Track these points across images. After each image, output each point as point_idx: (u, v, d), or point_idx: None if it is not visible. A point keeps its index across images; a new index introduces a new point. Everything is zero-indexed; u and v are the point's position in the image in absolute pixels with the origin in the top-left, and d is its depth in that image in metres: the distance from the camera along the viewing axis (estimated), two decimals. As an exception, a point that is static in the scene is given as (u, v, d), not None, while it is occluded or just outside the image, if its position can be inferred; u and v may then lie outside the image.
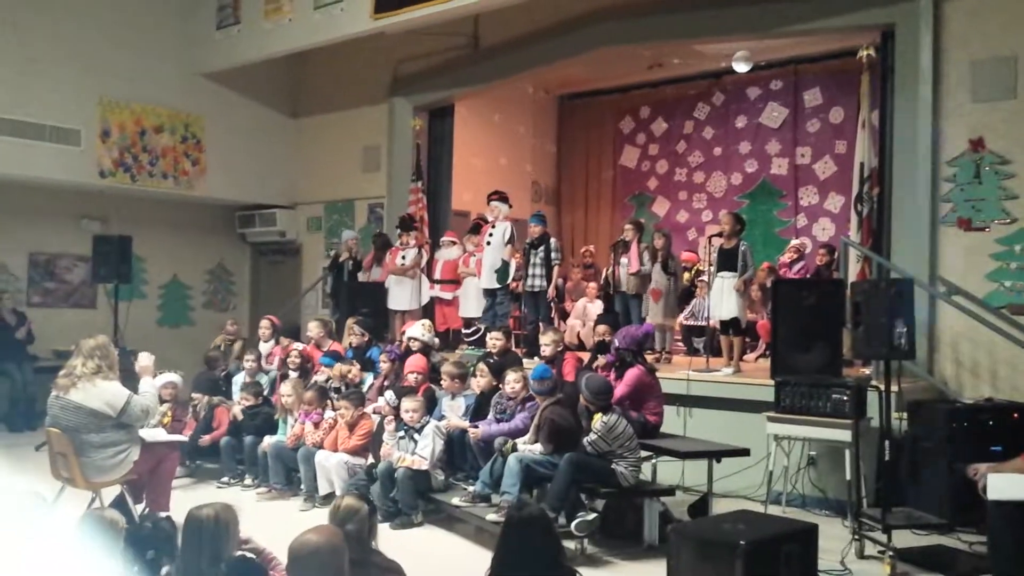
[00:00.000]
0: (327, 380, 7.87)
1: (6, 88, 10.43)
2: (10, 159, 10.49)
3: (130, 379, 6.07)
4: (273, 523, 5.57)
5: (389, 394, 7.27)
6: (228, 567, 3.46)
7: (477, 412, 7.04)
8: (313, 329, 8.93)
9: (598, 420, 5.81)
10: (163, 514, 5.80)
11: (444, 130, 11.99)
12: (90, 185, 11.49)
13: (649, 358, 8.70)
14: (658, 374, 7.18)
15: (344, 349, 8.72)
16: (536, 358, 7.93)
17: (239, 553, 3.63)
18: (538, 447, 6.03)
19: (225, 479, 7.82)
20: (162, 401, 7.17)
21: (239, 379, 8.57)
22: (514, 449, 6.15)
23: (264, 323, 9.37)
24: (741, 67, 11.29)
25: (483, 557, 5.76)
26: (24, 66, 10.57)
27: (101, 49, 11.28)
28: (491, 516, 5.87)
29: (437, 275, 10.40)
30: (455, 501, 6.37)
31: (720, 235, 8.43)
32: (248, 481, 7.72)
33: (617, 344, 6.92)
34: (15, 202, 11.43)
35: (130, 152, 11.69)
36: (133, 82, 11.64)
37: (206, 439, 7.92)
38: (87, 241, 10.14)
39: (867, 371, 7.38)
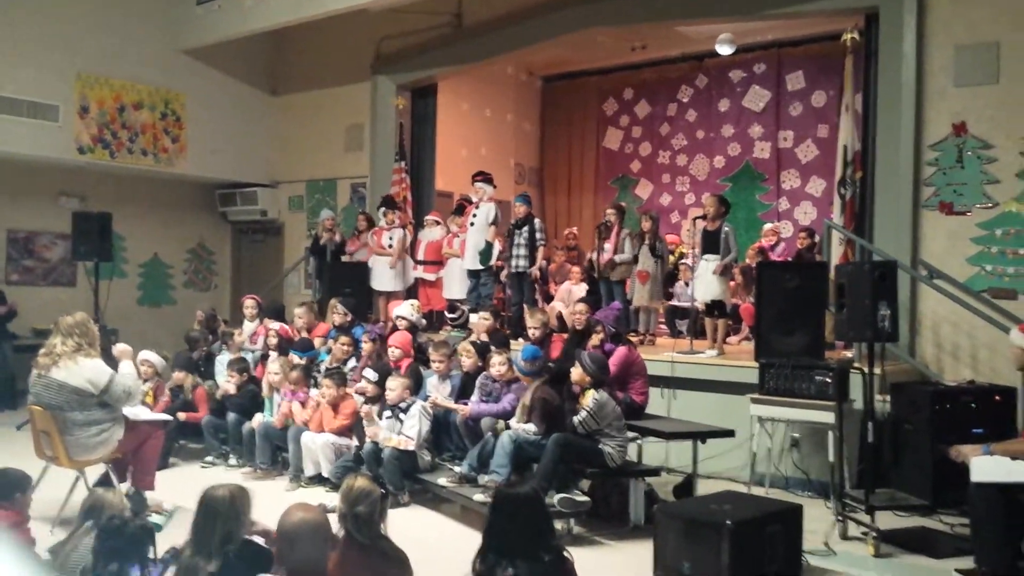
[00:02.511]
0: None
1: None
2: (-13, 135, 10.34)
3: (110, 359, 6.00)
4: (260, 503, 5.55)
5: (369, 371, 7.25)
6: (236, 551, 3.43)
7: (462, 393, 7.06)
8: (300, 315, 8.89)
9: (590, 396, 5.83)
10: (157, 504, 5.80)
11: (427, 109, 11.93)
12: (68, 161, 11.35)
13: (633, 339, 8.78)
14: (643, 355, 7.21)
15: (328, 329, 8.69)
16: (521, 339, 7.96)
17: (248, 537, 3.60)
18: (531, 427, 6.04)
19: (209, 459, 7.80)
20: (143, 380, 7.12)
21: (223, 358, 8.52)
22: (507, 428, 6.17)
23: (249, 302, 9.32)
24: (725, 50, 11.26)
25: (470, 536, 5.81)
26: (2, 42, 10.39)
27: (80, 24, 11.11)
28: (478, 496, 5.89)
29: (421, 256, 10.37)
30: (442, 481, 6.38)
31: (704, 217, 8.46)
32: (233, 461, 7.70)
33: (607, 325, 6.96)
34: (-8, 178, 11.29)
35: (109, 128, 11.55)
36: (112, 58, 11.49)
37: (181, 415, 7.84)
38: (66, 218, 10.00)
39: (849, 354, 7.46)
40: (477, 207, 9.73)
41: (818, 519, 5.82)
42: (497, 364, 6.71)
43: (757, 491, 6.49)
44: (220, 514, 3.46)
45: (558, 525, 5.60)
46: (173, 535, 3.99)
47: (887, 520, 5.89)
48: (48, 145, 10.94)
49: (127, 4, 11.59)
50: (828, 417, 6.24)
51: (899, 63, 8.00)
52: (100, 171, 11.89)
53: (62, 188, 11.95)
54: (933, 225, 7.85)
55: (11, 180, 11.46)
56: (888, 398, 6.42)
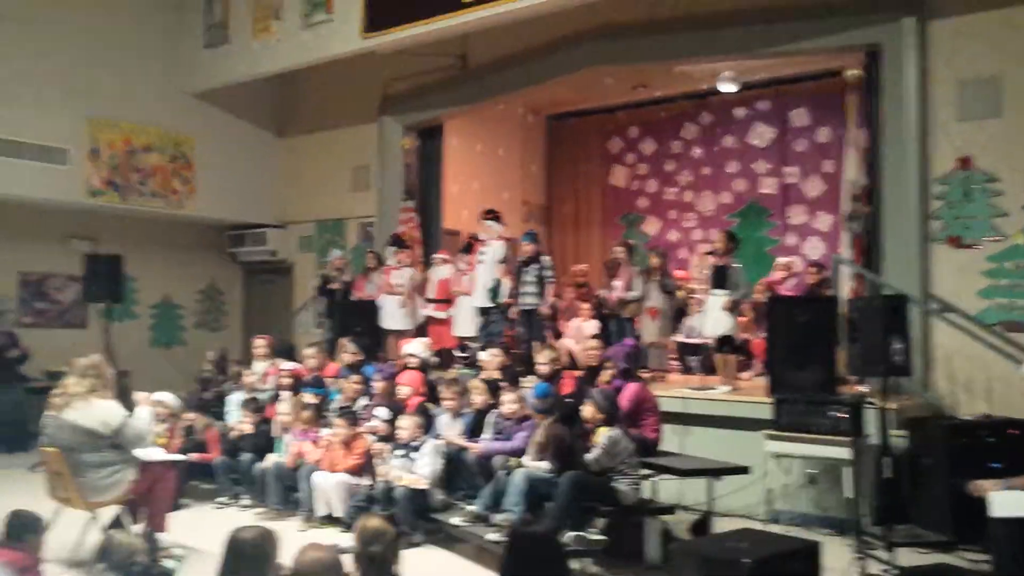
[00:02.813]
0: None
1: (-6, 108, 10.40)
2: (-1, 178, 10.45)
3: (123, 400, 6.01)
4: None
5: (381, 410, 7.25)
6: None
7: (473, 430, 7.04)
8: (310, 355, 8.91)
9: (603, 434, 5.82)
10: (166, 549, 5.77)
11: (434, 149, 12.02)
12: (79, 204, 11.45)
13: (645, 376, 8.77)
14: (654, 392, 7.20)
15: (338, 368, 8.70)
16: (531, 377, 7.94)
17: None
18: (545, 464, 6.01)
19: (221, 499, 7.76)
20: (158, 421, 7.12)
21: (234, 398, 8.52)
22: (519, 466, 6.14)
23: (259, 342, 9.34)
24: (727, 87, 11.42)
25: (482, 576, 5.78)
26: (11, 85, 10.54)
27: (90, 68, 11.26)
28: (491, 535, 5.85)
29: (430, 294, 10.39)
30: (455, 520, 6.34)
31: (713, 252, 8.49)
32: (245, 501, 7.66)
33: (617, 362, 6.96)
34: (4, 222, 11.38)
35: (119, 171, 11.66)
36: (122, 101, 11.63)
37: (194, 456, 7.84)
38: (77, 261, 10.09)
39: (862, 388, 7.43)
40: (486, 245, 9.76)
41: (837, 556, 5.75)
42: (508, 402, 6.70)
43: (774, 528, 6.43)
44: (246, 556, 3.44)
45: (573, 564, 5.57)
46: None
47: (907, 557, 5.83)
48: (59, 188, 11.05)
49: (136, 48, 11.75)
50: (844, 453, 6.20)
51: (902, 98, 8.06)
52: (111, 214, 11.98)
53: (73, 231, 12.03)
54: (942, 259, 7.86)
55: (23, 223, 11.55)
56: (904, 433, 6.38)
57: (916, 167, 7.97)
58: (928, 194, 7.97)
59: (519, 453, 6.38)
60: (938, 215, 7.92)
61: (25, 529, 4.65)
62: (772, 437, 6.64)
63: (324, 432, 7.37)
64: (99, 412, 5.65)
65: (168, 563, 5.45)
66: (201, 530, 6.65)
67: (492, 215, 9.85)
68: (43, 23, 10.86)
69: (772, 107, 12.27)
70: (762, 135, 12.36)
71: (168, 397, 7.69)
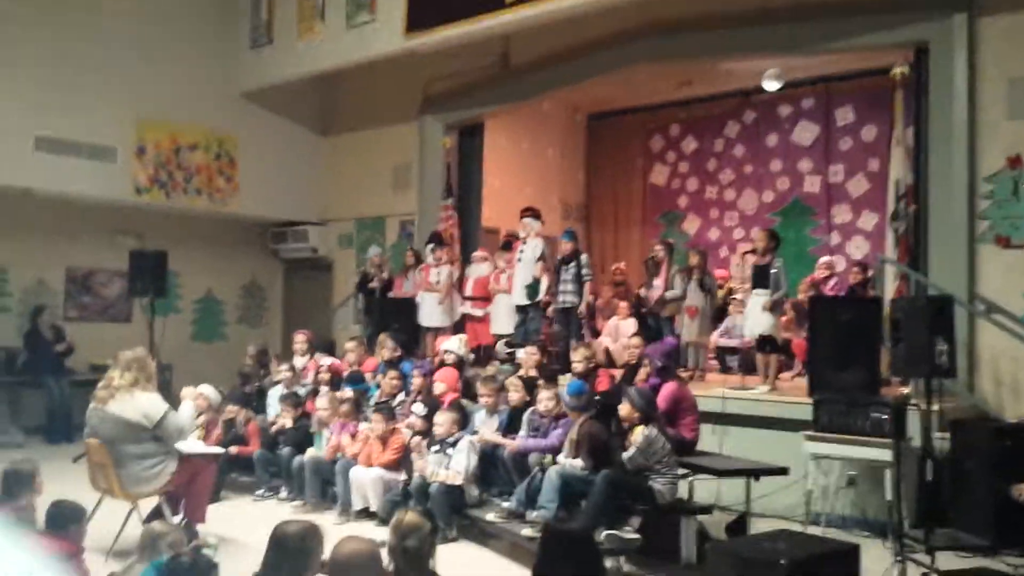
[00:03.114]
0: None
1: (45, 107, 10.61)
2: (48, 176, 10.68)
3: (165, 394, 6.11)
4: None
5: (418, 406, 7.28)
6: None
7: (509, 427, 7.03)
8: (351, 349, 8.98)
9: (639, 433, 5.77)
10: (200, 537, 5.83)
11: (474, 148, 12.04)
12: (126, 201, 11.66)
13: (683, 376, 8.70)
14: (693, 391, 7.13)
15: (377, 364, 8.76)
16: (568, 374, 7.92)
17: None
18: (579, 462, 5.99)
19: (260, 492, 7.85)
20: (197, 413, 7.22)
21: (275, 392, 8.62)
22: (554, 463, 6.13)
23: (300, 337, 9.45)
24: (772, 85, 11.25)
25: (518, 573, 5.77)
26: (62, 85, 10.75)
27: (137, 69, 11.44)
28: (526, 531, 5.85)
29: (468, 292, 10.41)
30: (490, 516, 6.35)
31: (754, 251, 8.39)
32: (283, 494, 7.75)
33: (653, 359, 6.91)
34: (52, 218, 11.61)
35: (165, 169, 11.85)
36: (168, 101, 11.81)
37: (233, 449, 7.94)
38: (123, 256, 10.26)
39: (905, 390, 7.29)
40: (524, 243, 9.76)
41: (877, 559, 5.66)
42: (544, 399, 6.68)
43: (813, 530, 6.34)
44: (291, 550, 3.45)
45: (608, 563, 5.54)
46: (223, 568, 4.00)
47: (948, 561, 5.71)
48: (107, 186, 11.26)
49: (183, 49, 11.92)
50: (885, 455, 6.09)
51: (951, 97, 7.91)
52: (156, 210, 12.18)
53: (119, 227, 12.24)
54: (990, 259, 7.69)
55: (70, 220, 11.79)
56: (947, 435, 6.25)
57: (964, 166, 7.82)
58: (976, 193, 7.81)
59: (555, 451, 6.36)
60: (986, 215, 7.76)
61: (67, 518, 4.70)
62: (812, 438, 6.55)
63: (362, 426, 7.42)
64: (141, 405, 5.75)
65: (206, 551, 5.50)
66: (239, 522, 6.75)
67: (531, 213, 9.84)
68: (92, 27, 11.06)
69: (817, 105, 12.12)
70: (807, 133, 12.21)
71: (209, 390, 7.79)
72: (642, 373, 6.94)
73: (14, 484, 4.81)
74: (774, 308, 8.15)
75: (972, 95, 7.82)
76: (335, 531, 6.47)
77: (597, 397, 6.63)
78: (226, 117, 12.45)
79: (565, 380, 7.31)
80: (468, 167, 12.00)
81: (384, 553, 3.49)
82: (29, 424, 10.73)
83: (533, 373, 7.67)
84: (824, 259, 10.39)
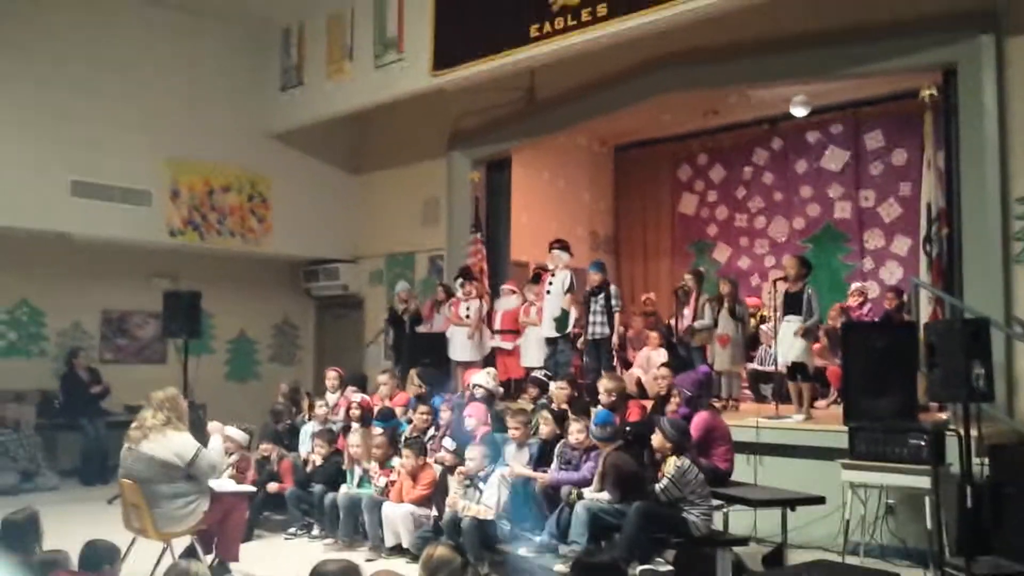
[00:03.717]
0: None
1: (80, 151, 10.85)
2: (84, 220, 10.89)
3: (198, 434, 6.15)
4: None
5: (448, 441, 7.26)
6: None
7: (540, 460, 6.97)
8: (383, 381, 9.01)
9: (671, 464, 5.71)
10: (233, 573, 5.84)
11: (502, 182, 12.11)
12: (161, 244, 11.83)
13: (716, 405, 8.60)
14: (727, 420, 7.05)
15: (407, 399, 8.76)
16: (599, 406, 7.86)
17: None
18: (605, 495, 5.93)
19: (292, 530, 7.85)
20: (228, 454, 7.25)
21: (308, 429, 8.64)
22: (580, 498, 6.06)
23: (331, 374, 9.49)
24: (799, 111, 11.27)
25: (551, 608, 5.69)
26: (97, 129, 10.99)
27: (171, 112, 11.68)
28: (559, 567, 5.78)
29: (497, 325, 10.41)
30: (521, 551, 6.28)
31: (785, 279, 8.32)
32: (315, 532, 7.74)
33: (682, 389, 6.85)
34: (88, 261, 11.82)
35: (199, 211, 12.04)
36: (201, 144, 12.01)
37: (273, 487, 7.96)
38: (157, 298, 10.41)
39: (943, 415, 7.15)
40: (553, 275, 9.76)
41: (918, 590, 5.53)
42: (575, 431, 6.62)
43: (851, 560, 6.20)
44: None
45: (643, 596, 5.46)
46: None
47: (992, 590, 5.56)
48: (141, 228, 11.45)
49: (215, 92, 12.15)
50: (924, 482, 5.96)
51: (980, 118, 7.83)
52: (190, 252, 12.35)
53: (154, 269, 12.42)
54: (1026, 280, 7.57)
55: (106, 262, 11.98)
56: (987, 461, 6.11)
57: (996, 187, 7.73)
58: (1010, 214, 7.70)
59: (586, 483, 6.29)
60: (1021, 236, 7.63)
61: (101, 558, 4.72)
62: (848, 466, 6.43)
63: (394, 462, 7.41)
64: (174, 444, 5.78)
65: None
66: (271, 560, 6.75)
67: (560, 245, 9.84)
68: (127, 68, 11.32)
69: (845, 130, 12.07)
70: (836, 159, 12.14)
71: (236, 432, 7.81)
72: (672, 403, 6.86)
73: (14, 536, 4.78)
74: (807, 334, 8.06)
75: (1002, 115, 7.75)
76: (367, 568, 6.49)
77: (628, 428, 6.56)
78: (258, 158, 12.64)
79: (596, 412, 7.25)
80: (496, 201, 12.07)
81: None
82: (65, 466, 10.85)
83: (564, 407, 7.61)
84: (856, 285, 10.30)
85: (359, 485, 7.59)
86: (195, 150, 11.98)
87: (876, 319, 9.42)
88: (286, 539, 7.72)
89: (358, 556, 7.01)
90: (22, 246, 11.12)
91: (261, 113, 12.50)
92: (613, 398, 7.18)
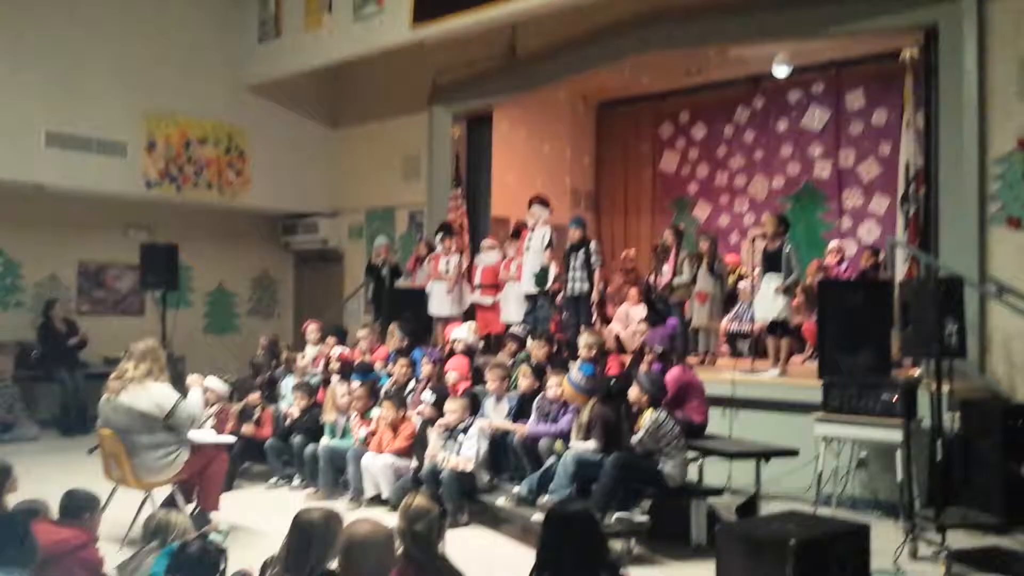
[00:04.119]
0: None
1: (56, 103, 10.70)
2: (59, 171, 10.76)
3: (177, 386, 6.15)
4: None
5: (427, 394, 7.30)
6: None
7: (519, 414, 7.05)
8: (363, 336, 9.02)
9: (647, 416, 5.79)
10: (212, 523, 5.87)
11: (483, 138, 12.05)
12: (137, 196, 11.72)
13: (693, 360, 8.70)
14: (703, 375, 7.13)
15: (387, 353, 8.79)
16: (577, 361, 7.92)
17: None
18: (591, 444, 6.01)
19: (273, 480, 7.91)
20: (208, 405, 7.26)
21: (288, 382, 8.66)
22: (565, 449, 6.14)
23: (312, 327, 9.50)
24: (781, 71, 11.24)
25: (529, 556, 5.75)
26: (72, 81, 10.83)
27: (147, 64, 11.51)
28: (536, 516, 5.86)
29: (477, 280, 10.42)
30: (500, 502, 6.37)
31: (764, 236, 8.37)
32: (296, 483, 7.80)
33: (653, 345, 6.92)
34: (64, 213, 11.71)
35: (175, 163, 11.91)
36: (178, 95, 11.86)
37: (249, 428, 7.98)
38: (134, 250, 10.33)
39: (917, 372, 7.27)
40: (533, 231, 9.76)
41: (887, 539, 5.64)
42: (554, 385, 6.69)
43: (823, 511, 6.34)
44: (316, 536, 3.49)
45: (618, 545, 5.56)
46: (233, 556, 4.03)
47: (959, 540, 5.71)
48: (117, 180, 11.32)
49: (192, 43, 11.97)
50: (895, 436, 6.08)
51: (961, 79, 7.85)
52: (167, 204, 12.24)
53: (130, 221, 12.33)
54: (1001, 240, 7.64)
55: (82, 214, 11.87)
56: (957, 416, 6.23)
57: (975, 147, 7.76)
58: (987, 175, 7.75)
59: (564, 435, 6.38)
60: (997, 196, 7.70)
61: (81, 507, 4.74)
62: (822, 420, 6.54)
63: (373, 412, 7.47)
64: (153, 395, 5.78)
65: (215, 536, 5.55)
66: (252, 510, 6.80)
67: (539, 201, 9.83)
68: (102, 20, 11.12)
69: (827, 89, 12.05)
70: (817, 118, 12.15)
71: (216, 383, 7.82)
72: (644, 362, 6.92)
73: None
74: (787, 292, 8.14)
75: (982, 77, 7.76)
76: (348, 517, 6.56)
77: (612, 382, 6.63)
78: (235, 111, 12.50)
79: (575, 368, 7.31)
80: (477, 157, 12.01)
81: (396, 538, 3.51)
82: (44, 417, 10.83)
83: (542, 361, 7.67)
84: (833, 243, 10.37)
85: (342, 437, 7.64)
86: (171, 102, 11.83)
87: (853, 277, 9.52)
88: (267, 489, 7.77)
89: (338, 506, 7.07)
90: (-3, 197, 10.99)
91: (239, 65, 12.35)
92: (594, 353, 7.23)
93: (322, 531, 3.53)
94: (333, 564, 3.49)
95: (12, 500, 4.81)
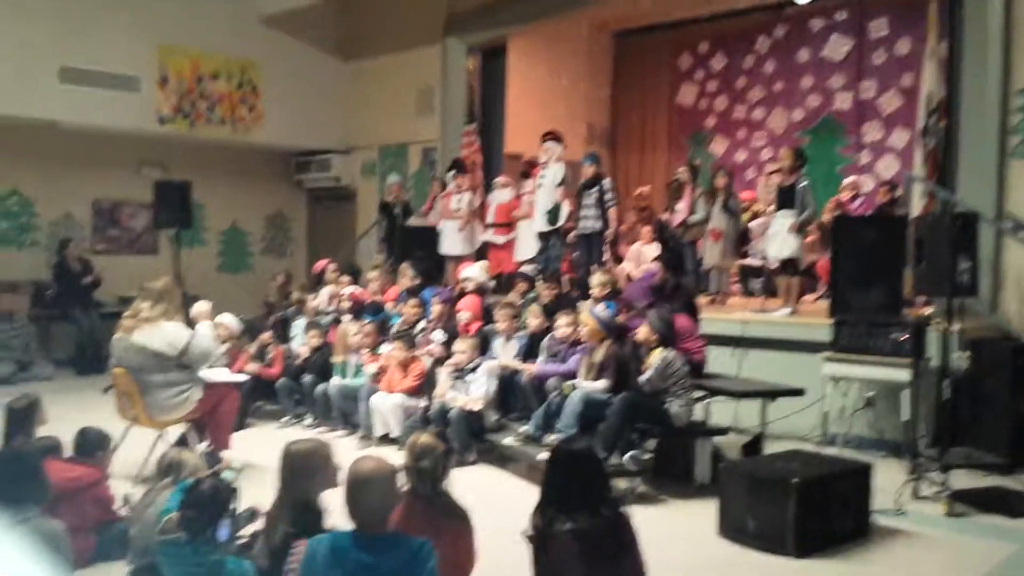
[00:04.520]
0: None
1: (67, 37, 10.62)
2: (72, 107, 10.73)
3: (191, 325, 6.19)
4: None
5: (438, 333, 7.32)
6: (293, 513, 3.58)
7: (528, 354, 7.07)
8: (373, 278, 9.03)
9: (657, 355, 5.79)
10: (224, 462, 5.97)
11: (497, 71, 11.85)
12: (149, 132, 11.68)
13: (705, 300, 8.63)
14: (713, 315, 7.07)
15: (398, 292, 8.81)
16: (589, 300, 7.90)
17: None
18: (601, 383, 6.02)
19: (285, 419, 8.01)
20: (220, 342, 7.32)
21: (300, 322, 8.71)
22: (572, 389, 6.16)
23: (331, 266, 9.51)
24: (804, -2, 10.92)
25: (535, 494, 5.84)
26: (84, 15, 10.73)
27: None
28: (543, 455, 5.90)
29: (490, 219, 10.35)
30: (507, 441, 6.43)
31: (779, 171, 8.22)
32: (308, 421, 7.90)
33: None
34: (77, 150, 11.68)
35: (188, 98, 11.84)
36: (190, 28, 11.74)
37: (254, 367, 8.06)
38: (148, 188, 10.34)
39: (929, 311, 7.19)
40: (545, 167, 9.64)
41: (891, 479, 5.66)
42: (563, 325, 6.69)
43: (829, 451, 6.34)
44: (298, 469, 3.63)
45: (622, 484, 5.60)
46: (245, 494, 4.11)
47: (963, 480, 5.71)
48: (130, 116, 11.29)
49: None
50: (904, 375, 6.05)
51: (986, 7, 7.59)
52: (180, 141, 12.20)
53: (144, 158, 12.30)
54: (1020, 175, 7.46)
55: (95, 151, 11.84)
56: (967, 355, 6.18)
57: (997, 79, 7.54)
58: (1009, 107, 7.54)
59: (572, 376, 6.39)
60: (1018, 129, 7.50)
61: (93, 445, 4.84)
62: (830, 359, 6.51)
63: (382, 348, 7.51)
64: (166, 334, 5.82)
65: (227, 474, 5.65)
66: (264, 448, 6.88)
67: (552, 136, 9.69)
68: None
69: (851, 17, 11.69)
70: (839, 48, 11.83)
71: (229, 319, 7.87)
72: (622, 317, 6.82)
73: (15, 421, 4.93)
74: (800, 229, 8.02)
75: (1008, 5, 7.50)
76: (358, 454, 6.65)
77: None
78: (248, 44, 12.36)
79: (585, 307, 7.29)
80: (491, 91, 11.83)
81: (400, 474, 3.57)
82: (60, 356, 10.98)
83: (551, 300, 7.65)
84: (849, 179, 10.20)
85: (355, 375, 7.71)
86: (184, 34, 11.72)
87: (869, 213, 9.37)
88: (279, 428, 7.87)
89: (349, 443, 7.19)
90: (11, 135, 10.97)
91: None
92: (607, 291, 7.19)
93: (303, 462, 3.64)
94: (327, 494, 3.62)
95: (40, 432, 4.93)
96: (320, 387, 7.71)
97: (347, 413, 7.56)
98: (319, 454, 3.75)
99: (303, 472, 3.67)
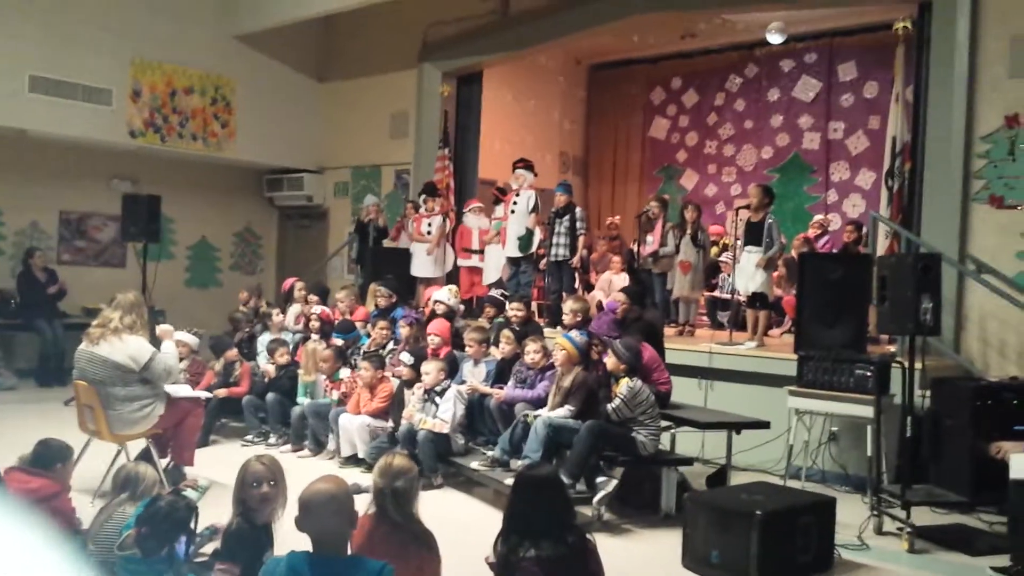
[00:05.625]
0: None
1: (41, 47, 10.52)
2: (43, 117, 10.62)
3: (156, 339, 6.13)
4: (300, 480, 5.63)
5: (405, 355, 7.30)
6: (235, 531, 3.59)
7: (498, 379, 7.07)
8: (342, 299, 9.00)
9: (624, 384, 5.81)
10: (191, 479, 5.89)
11: (472, 97, 11.94)
12: (120, 145, 11.58)
13: (672, 331, 8.73)
14: (681, 346, 7.14)
15: (368, 312, 8.78)
16: (558, 328, 7.94)
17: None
18: (564, 410, 6.03)
19: (249, 437, 7.93)
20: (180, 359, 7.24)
21: (264, 339, 8.65)
22: (535, 418, 6.16)
23: (299, 284, 9.46)
24: (775, 39, 11.11)
25: (500, 519, 5.83)
26: (59, 26, 10.64)
27: (135, 10, 11.32)
28: (509, 480, 5.89)
29: (475, 244, 10.38)
30: (474, 465, 6.41)
31: (748, 207, 8.36)
32: (272, 440, 7.82)
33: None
34: (47, 160, 11.56)
35: (160, 113, 11.77)
36: (165, 43, 11.69)
37: (222, 392, 7.99)
38: (117, 200, 10.24)
39: (892, 348, 7.32)
40: (518, 194, 9.71)
41: (854, 514, 5.73)
42: (532, 352, 6.70)
43: (793, 484, 6.40)
44: (246, 482, 3.64)
45: (588, 511, 5.61)
46: (209, 512, 4.07)
47: (924, 517, 5.80)
48: (101, 128, 11.18)
49: (180, -10, 11.77)
50: (867, 411, 6.12)
51: (952, 53, 7.79)
52: (151, 155, 12.10)
53: (114, 171, 12.19)
54: (983, 219, 7.65)
55: (65, 162, 11.72)
56: (929, 393, 6.29)
57: (962, 124, 7.73)
58: (972, 152, 7.74)
59: (541, 402, 6.40)
60: (981, 174, 7.70)
61: (53, 457, 4.75)
62: (795, 393, 6.58)
63: (343, 373, 7.49)
64: (130, 347, 5.76)
65: (190, 492, 5.56)
66: (226, 465, 6.80)
67: (524, 164, 9.78)
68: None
69: (820, 60, 12.02)
70: (808, 89, 12.09)
71: (187, 336, 7.79)
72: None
73: None
74: (768, 264, 8.15)
75: (973, 52, 7.71)
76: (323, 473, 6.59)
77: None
78: (222, 61, 12.33)
79: (555, 333, 7.32)
80: (466, 116, 11.91)
81: (360, 499, 3.53)
82: (22, 366, 10.80)
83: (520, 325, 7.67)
84: (817, 217, 10.38)
85: (323, 395, 7.68)
86: (158, 50, 11.66)
87: (835, 251, 9.54)
88: (243, 446, 7.79)
89: (316, 463, 7.13)
90: (-22, 143, 10.85)
91: (227, 13, 12.14)
92: (579, 319, 7.21)
93: (252, 478, 3.70)
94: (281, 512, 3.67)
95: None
96: (297, 408, 7.67)
97: (317, 432, 7.51)
98: (261, 471, 3.74)
99: (245, 486, 3.69)
